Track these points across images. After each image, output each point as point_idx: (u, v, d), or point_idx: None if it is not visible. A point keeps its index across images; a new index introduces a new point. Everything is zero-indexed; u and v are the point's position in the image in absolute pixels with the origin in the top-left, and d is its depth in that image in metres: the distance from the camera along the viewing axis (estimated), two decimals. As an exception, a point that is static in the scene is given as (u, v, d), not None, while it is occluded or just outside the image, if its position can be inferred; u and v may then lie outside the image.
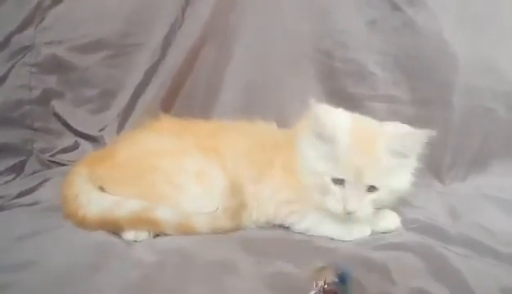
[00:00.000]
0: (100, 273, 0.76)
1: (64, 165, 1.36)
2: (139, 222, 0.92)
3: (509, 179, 1.35)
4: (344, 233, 0.98)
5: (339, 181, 0.94)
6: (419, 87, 1.37)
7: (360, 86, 1.40)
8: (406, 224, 1.06)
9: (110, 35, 1.43)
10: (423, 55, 1.35)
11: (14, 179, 1.33)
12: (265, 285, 0.74)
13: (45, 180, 1.23)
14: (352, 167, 0.92)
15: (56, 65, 1.42)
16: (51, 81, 1.43)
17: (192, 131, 1.10)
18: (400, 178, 0.97)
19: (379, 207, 0.97)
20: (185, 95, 1.45)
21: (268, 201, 1.02)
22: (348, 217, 0.94)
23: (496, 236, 1.01)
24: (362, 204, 0.94)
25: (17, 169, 1.36)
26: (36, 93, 1.42)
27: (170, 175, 0.99)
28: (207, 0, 1.39)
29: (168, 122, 1.15)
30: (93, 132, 1.45)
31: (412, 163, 0.97)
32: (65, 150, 1.43)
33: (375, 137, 0.94)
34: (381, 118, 1.34)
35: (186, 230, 0.94)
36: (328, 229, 0.99)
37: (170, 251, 0.85)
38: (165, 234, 0.93)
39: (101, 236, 0.89)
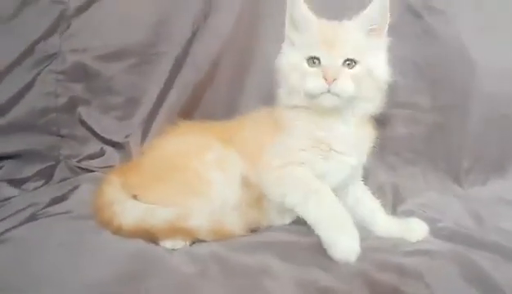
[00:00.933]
0: (143, 281, 0.77)
1: (91, 171, 1.37)
2: (173, 231, 0.93)
3: None
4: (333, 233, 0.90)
5: (314, 62, 0.96)
6: (439, 94, 1.38)
7: None
8: (434, 229, 1.05)
9: (134, 44, 1.43)
10: (442, 63, 1.35)
11: (43, 185, 1.33)
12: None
13: (75, 188, 1.23)
14: (324, 40, 0.95)
15: (81, 73, 1.42)
16: (77, 88, 1.44)
17: (209, 130, 1.14)
18: (375, 59, 1.00)
19: (362, 96, 0.97)
20: (205, 104, 1.45)
21: (266, 175, 1.00)
22: (328, 102, 0.94)
23: None
24: (342, 75, 0.94)
25: (46, 175, 1.37)
26: (62, 100, 1.42)
27: (199, 171, 1.01)
28: (228, 11, 1.39)
29: (186, 126, 1.19)
30: (119, 139, 1.45)
31: (383, 47, 1.01)
32: (91, 157, 1.44)
33: (345, 23, 0.99)
34: (402, 124, 1.40)
35: (220, 234, 0.94)
36: (315, 212, 0.94)
37: (208, 257, 0.86)
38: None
39: (140, 244, 0.90)
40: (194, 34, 1.44)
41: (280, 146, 1.01)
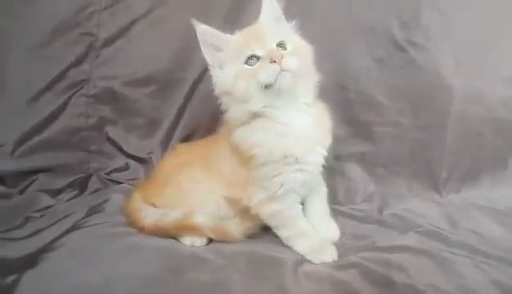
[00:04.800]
0: (185, 271, 0.94)
1: (120, 183, 1.50)
2: (182, 227, 1.09)
3: (496, 192, 1.46)
4: (314, 256, 1.05)
5: (253, 60, 1.01)
6: (420, 115, 1.48)
7: (370, 114, 1.51)
8: (413, 228, 1.20)
9: (156, 72, 1.56)
10: (423, 88, 1.46)
11: (76, 195, 1.46)
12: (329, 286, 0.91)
13: (107, 199, 1.36)
14: (252, 39, 1.02)
15: (110, 97, 1.57)
16: (106, 110, 1.58)
17: (195, 149, 1.28)
18: (295, 37, 1.08)
19: (303, 69, 1.02)
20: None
21: (259, 209, 1.09)
22: (285, 81, 0.97)
23: (486, 241, 1.15)
24: (285, 54, 0.98)
25: (78, 186, 1.50)
26: (92, 120, 1.57)
27: (183, 183, 1.17)
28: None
29: (181, 147, 1.35)
30: (142, 155, 1.59)
31: (290, 26, 1.10)
32: (117, 170, 1.58)
33: (256, 25, 1.08)
34: (388, 141, 1.51)
35: (221, 234, 1.09)
36: (302, 246, 1.07)
37: (235, 253, 1.03)
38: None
39: (171, 242, 1.08)
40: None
41: (257, 178, 1.05)
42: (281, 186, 1.05)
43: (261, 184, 1.06)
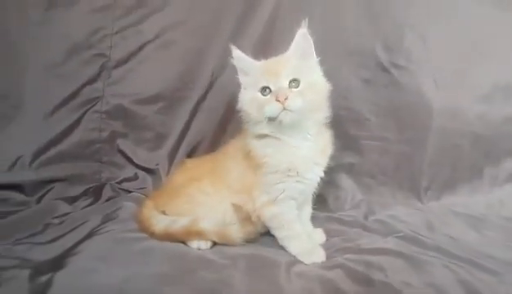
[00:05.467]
0: (195, 270, 1.06)
1: (130, 192, 1.60)
2: (190, 233, 1.18)
3: (473, 199, 1.56)
4: (306, 257, 1.13)
5: (266, 91, 1.10)
6: (404, 130, 1.58)
7: (358, 129, 1.61)
8: (394, 233, 1.29)
9: (164, 90, 1.66)
10: (406, 106, 1.56)
11: (91, 203, 1.54)
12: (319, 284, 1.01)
13: (120, 208, 1.44)
14: (270, 72, 1.09)
15: (121, 113, 1.66)
16: (118, 125, 1.68)
17: (202, 163, 1.37)
18: (313, 75, 1.14)
19: (311, 106, 1.10)
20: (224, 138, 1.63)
21: (261, 211, 1.18)
22: (286, 119, 1.05)
23: (460, 244, 1.25)
24: (291, 94, 1.06)
25: (92, 195, 1.60)
26: (105, 134, 1.67)
27: (193, 195, 1.26)
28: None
29: (189, 162, 1.45)
30: (150, 166, 1.69)
31: (315, 63, 1.16)
32: (127, 180, 1.67)
33: (281, 56, 1.15)
34: (375, 153, 1.62)
35: (224, 238, 1.18)
36: (295, 247, 1.16)
37: (236, 255, 1.14)
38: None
39: (180, 246, 1.18)
40: (212, 83, 1.66)
41: (262, 184, 1.16)
42: (282, 192, 1.16)
43: (265, 189, 1.17)
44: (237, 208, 1.22)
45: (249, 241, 1.22)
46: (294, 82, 1.10)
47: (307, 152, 1.16)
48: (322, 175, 1.22)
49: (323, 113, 1.18)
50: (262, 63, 1.16)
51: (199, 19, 1.64)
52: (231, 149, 1.28)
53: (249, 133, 1.18)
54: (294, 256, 1.17)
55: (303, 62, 1.14)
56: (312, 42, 1.15)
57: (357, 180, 1.64)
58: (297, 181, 1.17)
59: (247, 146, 1.18)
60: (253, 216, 1.20)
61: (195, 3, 1.65)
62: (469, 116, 1.57)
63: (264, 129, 1.13)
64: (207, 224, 1.20)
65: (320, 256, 1.16)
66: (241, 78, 1.18)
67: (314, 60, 1.17)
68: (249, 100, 1.15)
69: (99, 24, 1.64)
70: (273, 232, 1.21)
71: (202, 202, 1.25)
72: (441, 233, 1.35)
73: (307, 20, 1.13)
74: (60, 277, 1.02)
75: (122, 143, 1.70)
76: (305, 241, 1.19)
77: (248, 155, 1.18)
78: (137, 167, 1.70)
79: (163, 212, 1.30)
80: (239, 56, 1.17)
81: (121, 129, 1.69)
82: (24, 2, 1.60)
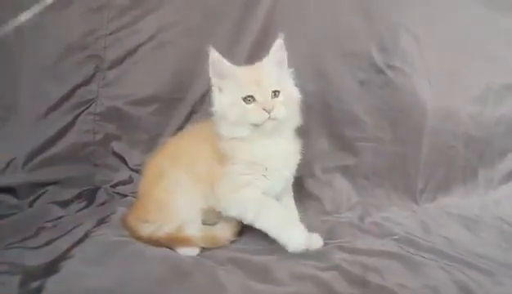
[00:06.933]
0: (189, 272, 1.05)
1: (125, 195, 1.58)
2: (175, 240, 1.17)
3: (467, 200, 1.58)
4: (287, 234, 1.13)
5: (249, 100, 1.14)
6: (398, 131, 1.58)
7: (353, 130, 1.61)
8: (390, 235, 1.30)
9: (159, 92, 1.65)
10: (400, 107, 1.56)
11: (85, 206, 1.51)
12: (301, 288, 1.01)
13: (113, 212, 1.41)
14: (253, 81, 1.14)
15: (115, 115, 1.64)
16: (112, 127, 1.66)
17: (164, 152, 1.33)
18: (289, 85, 1.21)
19: (290, 114, 1.17)
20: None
21: (223, 198, 1.19)
22: (269, 125, 1.12)
23: (454, 245, 1.26)
24: (276, 104, 1.12)
25: (86, 198, 1.57)
26: (99, 136, 1.65)
27: (157, 196, 1.23)
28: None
29: (153, 160, 1.35)
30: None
31: (289, 76, 1.22)
32: (121, 183, 1.64)
33: (260, 64, 1.20)
34: (370, 155, 1.62)
35: (212, 241, 1.19)
36: (273, 221, 1.15)
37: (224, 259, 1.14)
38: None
39: (168, 252, 1.16)
40: (207, 85, 1.48)
41: (228, 175, 1.18)
42: (246, 184, 1.19)
43: (229, 179, 1.19)
44: (209, 210, 1.23)
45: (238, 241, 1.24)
46: (276, 93, 1.16)
47: (279, 153, 1.21)
48: (291, 178, 1.28)
49: (296, 120, 1.25)
50: (241, 70, 1.20)
51: (194, 19, 1.64)
52: (200, 139, 1.29)
53: (222, 135, 1.20)
54: (285, 244, 1.15)
55: (279, 71, 1.20)
56: (286, 52, 1.22)
57: (353, 181, 1.64)
58: (262, 176, 1.20)
59: (219, 145, 1.20)
60: (218, 208, 1.21)
61: (190, 4, 1.65)
62: (463, 117, 1.59)
63: (241, 132, 1.17)
64: (191, 230, 1.19)
65: (301, 231, 1.16)
66: (215, 81, 1.20)
67: (287, 70, 1.24)
68: (228, 104, 1.17)
69: (93, 25, 1.62)
70: (244, 220, 1.20)
71: (171, 202, 1.22)
72: (436, 235, 1.35)
73: (283, 34, 1.20)
74: (52, 282, 1.01)
75: (116, 145, 1.69)
76: (280, 213, 1.18)
77: (216, 148, 1.21)
78: (131, 169, 1.68)
79: (147, 221, 1.25)
80: (217, 59, 1.18)
81: (115, 131, 1.68)
82: (18, 2, 1.59)
